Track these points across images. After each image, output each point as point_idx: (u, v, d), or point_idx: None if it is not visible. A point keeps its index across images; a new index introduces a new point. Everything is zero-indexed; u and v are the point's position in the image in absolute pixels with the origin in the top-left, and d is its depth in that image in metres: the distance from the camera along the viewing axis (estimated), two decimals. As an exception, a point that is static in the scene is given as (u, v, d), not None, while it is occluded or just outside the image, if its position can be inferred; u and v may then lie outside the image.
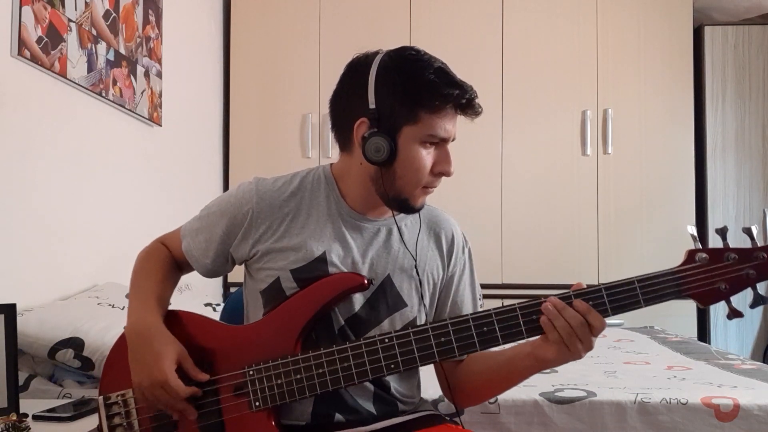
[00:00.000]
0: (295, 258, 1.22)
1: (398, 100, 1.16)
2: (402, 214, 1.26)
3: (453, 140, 1.22)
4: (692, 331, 3.58)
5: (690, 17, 3.70)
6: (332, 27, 3.73)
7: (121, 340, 1.26)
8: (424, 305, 1.27)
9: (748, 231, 1.05)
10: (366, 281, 1.20)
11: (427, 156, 1.18)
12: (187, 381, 1.17)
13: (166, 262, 1.33)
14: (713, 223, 3.72)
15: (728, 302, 1.07)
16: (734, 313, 1.07)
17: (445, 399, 1.56)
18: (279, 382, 1.16)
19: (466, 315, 1.14)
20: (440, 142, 1.19)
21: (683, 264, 1.07)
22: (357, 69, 1.21)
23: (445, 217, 1.37)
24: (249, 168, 3.70)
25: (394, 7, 3.73)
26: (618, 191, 3.67)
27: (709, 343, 3.52)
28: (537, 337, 1.13)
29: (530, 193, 3.68)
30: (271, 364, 1.17)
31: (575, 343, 1.09)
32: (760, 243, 1.05)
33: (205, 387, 1.19)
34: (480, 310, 1.26)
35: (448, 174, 1.20)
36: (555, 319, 1.08)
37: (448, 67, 1.21)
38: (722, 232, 1.06)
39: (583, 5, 3.71)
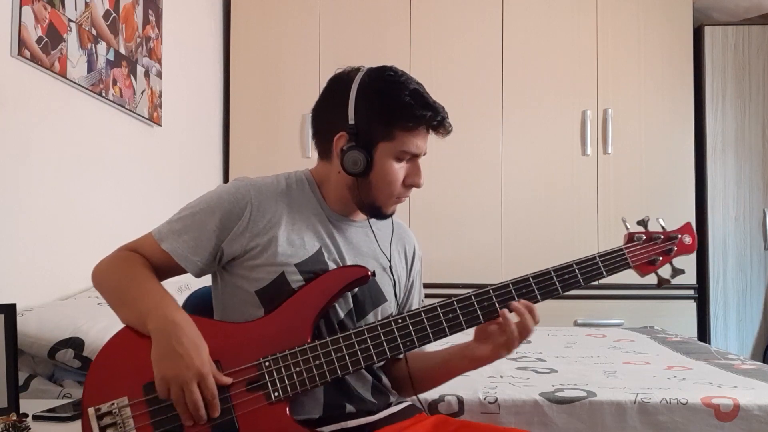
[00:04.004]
0: (297, 252, 1.26)
1: (375, 118, 1.26)
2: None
3: (424, 155, 1.32)
4: (692, 331, 3.59)
5: (690, 17, 3.70)
6: (332, 27, 3.73)
7: (109, 347, 1.22)
8: (397, 302, 1.37)
9: (642, 222, 1.36)
10: (370, 273, 1.25)
11: (399, 169, 1.28)
12: None
13: (149, 266, 1.29)
14: (713, 223, 3.72)
15: (657, 273, 1.34)
16: (663, 280, 1.34)
17: (444, 399, 1.58)
18: (298, 369, 1.17)
19: (469, 292, 1.24)
20: (412, 158, 1.29)
21: (627, 243, 1.33)
22: (339, 84, 1.30)
23: (406, 227, 1.49)
24: (249, 168, 3.70)
25: (394, 8, 3.73)
26: (618, 191, 3.67)
27: (709, 343, 3.52)
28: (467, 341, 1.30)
29: (530, 192, 3.68)
30: (288, 352, 1.18)
31: (516, 345, 1.25)
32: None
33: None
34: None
35: (417, 186, 1.31)
36: (509, 325, 1.23)
37: (424, 88, 1.30)
38: (644, 222, 1.36)
39: (583, 5, 3.71)
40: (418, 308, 1.23)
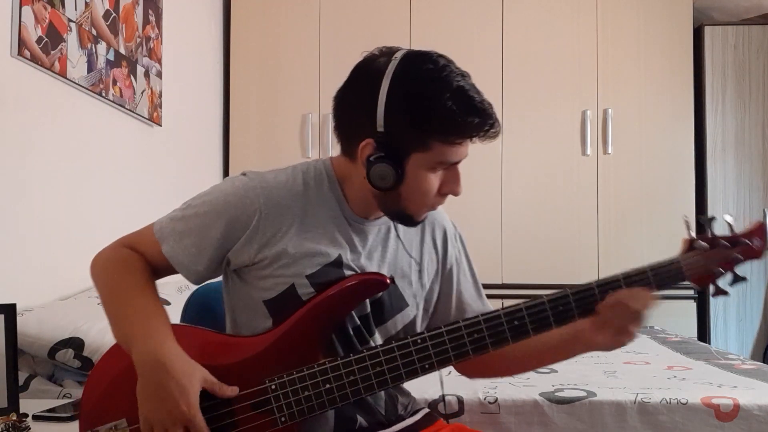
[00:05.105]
0: (309, 263, 1.14)
1: (409, 125, 1.08)
2: None
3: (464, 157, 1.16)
4: (692, 331, 3.59)
5: (690, 17, 3.70)
6: (332, 27, 3.73)
7: (103, 364, 1.16)
8: (417, 304, 1.24)
9: (705, 221, 1.13)
10: (388, 280, 1.14)
11: (434, 179, 1.12)
12: (210, 400, 1.09)
13: (147, 270, 1.18)
14: (713, 223, 3.71)
15: (715, 283, 1.13)
16: (720, 292, 1.14)
17: (444, 399, 1.57)
18: (307, 394, 1.09)
19: (498, 311, 1.11)
20: (450, 165, 1.13)
21: (685, 251, 1.12)
22: (368, 76, 1.11)
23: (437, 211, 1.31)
24: (249, 168, 3.69)
25: (394, 7, 3.73)
26: (618, 191, 3.67)
27: (709, 343, 3.52)
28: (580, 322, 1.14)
29: (530, 193, 3.68)
30: (296, 375, 1.09)
31: (632, 332, 1.12)
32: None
33: (219, 409, 1.09)
34: (485, 298, 1.32)
35: (456, 194, 1.14)
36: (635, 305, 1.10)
37: (469, 81, 1.11)
38: (709, 221, 1.12)
39: (583, 5, 3.71)
40: (440, 327, 1.11)
